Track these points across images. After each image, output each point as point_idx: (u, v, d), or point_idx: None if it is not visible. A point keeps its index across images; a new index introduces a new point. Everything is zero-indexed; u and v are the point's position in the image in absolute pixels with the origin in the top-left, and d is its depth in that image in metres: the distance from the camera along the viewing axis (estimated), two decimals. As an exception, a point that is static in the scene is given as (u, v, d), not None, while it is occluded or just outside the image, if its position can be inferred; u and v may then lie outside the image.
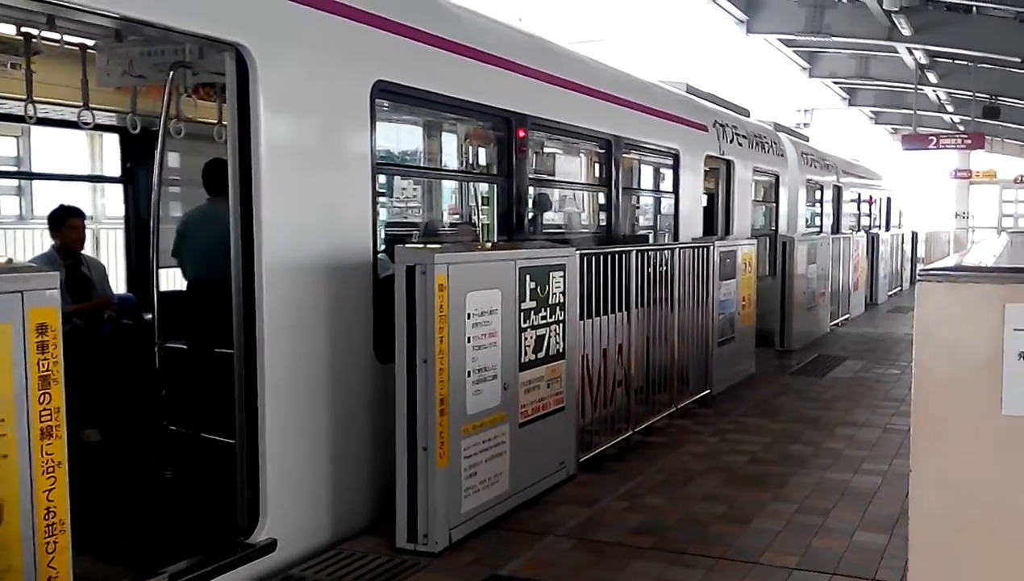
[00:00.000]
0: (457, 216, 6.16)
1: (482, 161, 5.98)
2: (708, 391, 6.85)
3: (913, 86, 18.19)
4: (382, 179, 4.31)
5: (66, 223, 4.80)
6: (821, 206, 14.22)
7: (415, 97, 4.53)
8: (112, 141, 6.19)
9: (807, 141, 14.39)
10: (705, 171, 8.62)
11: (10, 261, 2.82)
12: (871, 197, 18.87)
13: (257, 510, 3.50)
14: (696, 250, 6.62)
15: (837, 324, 11.54)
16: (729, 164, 9.40)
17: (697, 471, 4.91)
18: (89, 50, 4.33)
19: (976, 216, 30.47)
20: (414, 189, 5.43)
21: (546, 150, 6.48)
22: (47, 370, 2.16)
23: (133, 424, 4.36)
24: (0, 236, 7.86)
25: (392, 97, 4.32)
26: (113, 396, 4.16)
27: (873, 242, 14.44)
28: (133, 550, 3.58)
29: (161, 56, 4.06)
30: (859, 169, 17.81)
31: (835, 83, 21.75)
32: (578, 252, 4.84)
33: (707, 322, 6.82)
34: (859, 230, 16.23)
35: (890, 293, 15.76)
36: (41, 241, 5.58)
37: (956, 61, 16.73)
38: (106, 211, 7.92)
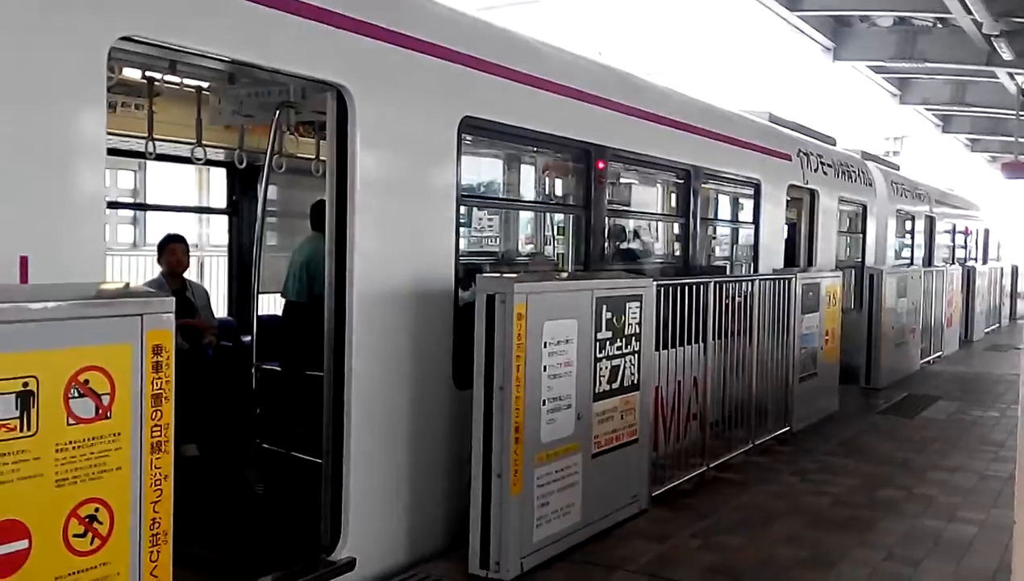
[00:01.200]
0: (532, 246, 6.25)
1: (561, 192, 6.07)
2: (788, 428, 6.65)
3: (1015, 113, 17.23)
4: (463, 210, 4.43)
5: (168, 248, 5.15)
6: (912, 237, 13.63)
7: (499, 131, 4.67)
8: (217, 175, 6.62)
9: (897, 170, 13.86)
10: (788, 201, 8.44)
11: (127, 285, 3.07)
12: (967, 228, 17.94)
13: (339, 528, 3.63)
14: (777, 282, 6.48)
15: (929, 362, 10.98)
16: (813, 193, 9.17)
17: (777, 511, 4.76)
18: (204, 92, 4.68)
19: (1086, 249, 28.36)
20: (490, 219, 5.54)
21: (624, 181, 6.50)
22: (160, 388, 2.34)
23: (229, 441, 4.60)
24: (116, 262, 8.44)
25: (477, 132, 4.46)
26: (211, 414, 4.41)
27: (969, 275, 13.71)
28: (223, 562, 3.77)
29: (268, 97, 4.35)
30: (954, 199, 16.99)
31: (928, 110, 20.87)
32: (655, 283, 4.83)
33: (788, 356, 6.64)
34: (953, 263, 15.46)
35: (987, 330, 14.89)
36: (152, 267, 6.00)
37: (1063, 86, 15.79)
38: (210, 240, 8.44)
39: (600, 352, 4.31)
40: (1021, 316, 18.83)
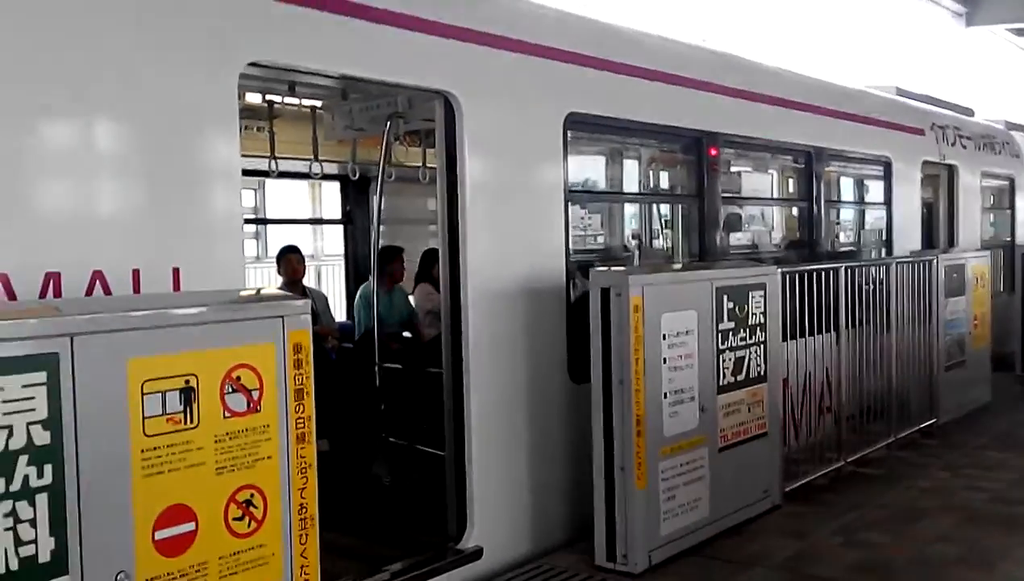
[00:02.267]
0: (643, 239, 6.18)
1: (673, 182, 5.97)
2: (934, 420, 6.18)
3: None
4: (572, 206, 4.45)
5: (285, 258, 5.54)
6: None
7: (604, 125, 4.67)
8: (328, 188, 7.03)
9: (1050, 137, 12.56)
10: (923, 178, 7.87)
11: (259, 290, 3.33)
12: None
13: (465, 518, 3.75)
14: (916, 265, 6.06)
15: (1096, 346, 9.84)
16: (952, 169, 8.50)
17: (926, 508, 4.45)
18: (318, 110, 4.99)
19: None
20: (591, 216, 5.52)
21: (740, 167, 6.31)
22: (301, 384, 2.52)
23: (357, 436, 4.86)
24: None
25: (583, 127, 4.49)
26: (339, 411, 4.68)
27: None
28: (358, 548, 3.98)
29: (377, 109, 4.57)
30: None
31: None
32: (780, 270, 4.65)
33: (931, 344, 6.18)
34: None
35: None
36: (273, 277, 6.45)
37: None
38: (324, 250, 8.98)
39: (723, 343, 4.20)
40: None
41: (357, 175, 5.29)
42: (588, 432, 3.83)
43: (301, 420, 2.52)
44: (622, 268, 4.07)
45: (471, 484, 3.74)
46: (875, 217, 7.60)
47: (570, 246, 4.34)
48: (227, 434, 2.37)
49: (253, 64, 3.03)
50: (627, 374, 3.72)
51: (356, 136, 5.04)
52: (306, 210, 7.89)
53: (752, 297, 4.40)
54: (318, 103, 4.99)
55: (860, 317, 5.37)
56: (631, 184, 5.82)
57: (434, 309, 5.21)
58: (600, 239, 5.66)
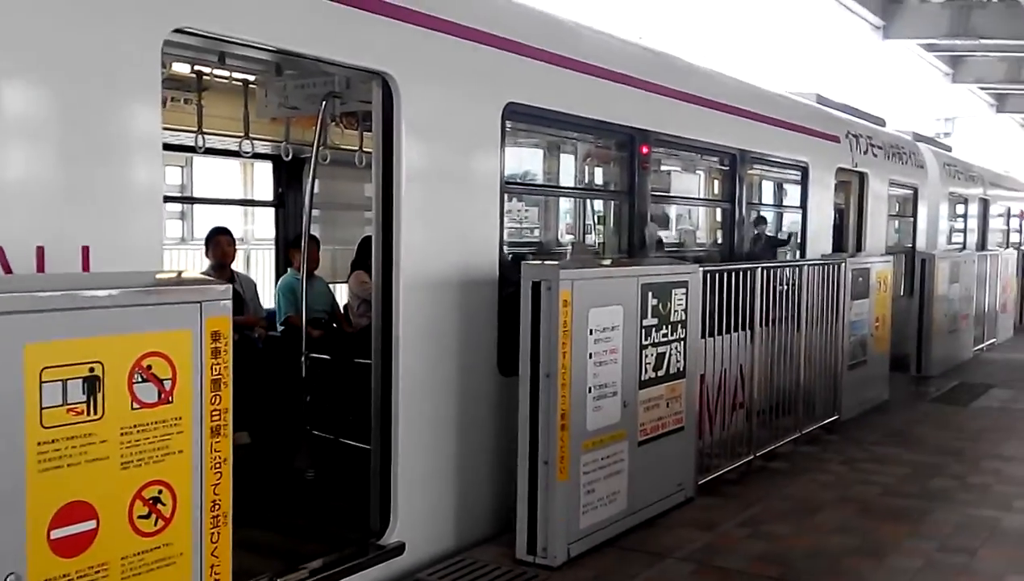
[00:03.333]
0: (574, 234, 6.23)
1: (604, 179, 6.01)
2: (836, 417, 6.52)
3: (1076, 89, 16.52)
4: (507, 198, 4.41)
5: (214, 241, 5.26)
6: (965, 221, 13.19)
7: (542, 117, 4.64)
8: (261, 169, 6.73)
9: (950, 151, 13.41)
10: (836, 184, 8.23)
11: (180, 274, 3.14)
12: (1022, 211, 17.29)
13: (388, 514, 3.68)
14: (826, 267, 6.34)
15: (982, 349, 10.66)
16: (862, 177, 8.93)
17: (826, 501, 4.69)
18: (250, 85, 4.74)
19: None
20: (527, 210, 5.54)
21: (668, 166, 6.42)
22: (219, 374, 2.39)
23: (280, 428, 4.69)
24: (166, 256, 8.69)
25: (521, 118, 4.44)
26: (262, 402, 4.50)
27: (1022, 259, 13.24)
28: (276, 544, 3.86)
29: (313, 88, 4.38)
30: (1008, 181, 16.38)
31: (982, 88, 20.13)
32: (701, 269, 4.76)
33: (836, 344, 6.50)
34: (1008, 247, 14.92)
35: (1044, 316, 14.36)
36: (200, 261, 6.15)
37: None
38: (255, 233, 8.61)
39: (646, 339, 4.27)
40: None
41: (290, 156, 5.08)
42: (515, 426, 3.83)
43: (217, 412, 2.39)
44: (553, 262, 4.05)
45: (396, 478, 3.67)
46: (794, 220, 7.90)
47: (504, 238, 4.31)
48: (135, 426, 2.22)
49: (179, 31, 2.83)
50: (554, 368, 3.73)
51: (290, 115, 4.83)
52: (238, 191, 7.52)
53: (675, 294, 4.49)
54: (251, 78, 4.74)
55: (773, 316, 5.57)
56: (566, 179, 5.83)
57: (367, 297, 5.09)
58: (533, 232, 5.65)
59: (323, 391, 4.58)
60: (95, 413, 2.13)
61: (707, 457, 4.98)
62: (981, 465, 5.40)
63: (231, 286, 2.49)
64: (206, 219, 6.93)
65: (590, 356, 3.90)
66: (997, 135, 25.83)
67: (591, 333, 3.90)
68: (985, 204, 13.98)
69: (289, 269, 5.79)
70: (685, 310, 4.56)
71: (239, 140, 4.96)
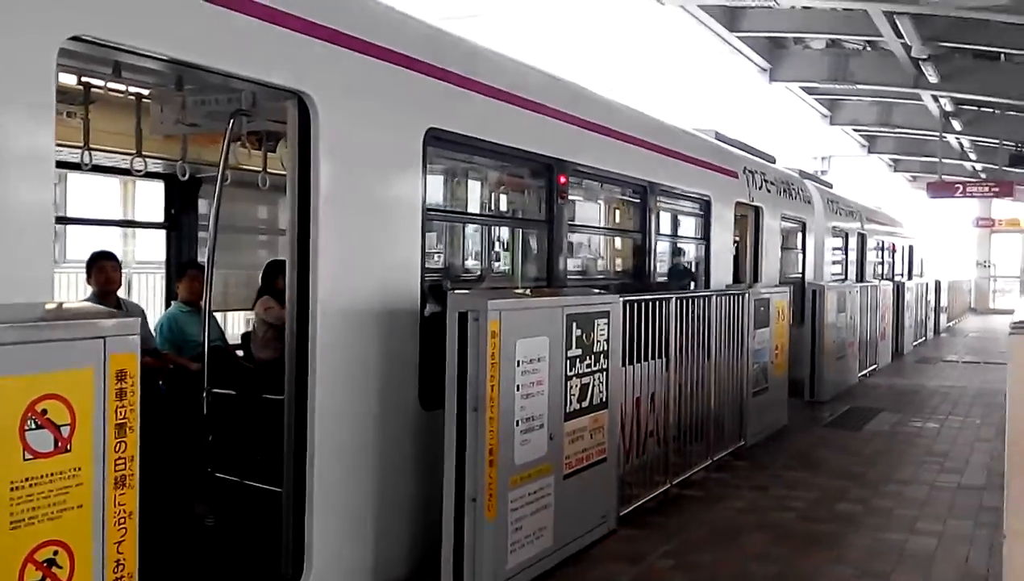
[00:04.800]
0: (494, 262, 6.21)
1: (522, 207, 6.05)
2: (742, 443, 6.77)
3: (937, 134, 18.32)
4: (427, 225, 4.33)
5: (97, 266, 4.87)
6: (846, 254, 14.24)
7: (463, 144, 4.61)
8: (144, 188, 6.32)
9: (831, 188, 14.47)
10: (735, 218, 8.66)
11: (60, 305, 2.85)
12: (893, 245, 18.89)
13: (302, 559, 3.46)
14: (731, 298, 6.62)
15: (865, 375, 11.43)
16: (758, 211, 9.45)
17: (744, 527, 4.82)
18: (144, 99, 4.45)
19: (998, 265, 30.38)
20: (450, 234, 5.49)
21: (583, 196, 6.55)
22: (124, 417, 2.16)
23: (179, 472, 4.33)
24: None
25: (442, 144, 4.39)
26: (159, 442, 4.14)
27: (899, 290, 14.40)
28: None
29: (216, 105, 4.17)
30: (881, 216, 17.87)
31: (855, 130, 21.95)
32: (621, 299, 4.84)
33: (742, 371, 6.78)
34: (882, 278, 16.20)
35: (915, 343, 15.65)
36: (77, 286, 5.66)
37: (982, 109, 16.88)
38: (136, 256, 8.04)
39: (571, 370, 4.28)
40: (945, 329, 19.93)
41: (187, 175, 4.79)
42: (436, 462, 3.70)
43: (122, 461, 2.16)
44: (480, 292, 4.00)
45: (310, 521, 3.45)
46: (698, 252, 8.23)
47: (425, 266, 4.21)
48: (27, 480, 1.97)
49: (75, 39, 2.60)
50: (482, 401, 3.65)
51: (188, 132, 4.57)
52: (116, 211, 7.02)
53: (598, 324, 4.54)
54: (144, 92, 4.45)
55: (684, 345, 5.75)
56: (487, 207, 5.81)
57: (275, 323, 4.85)
58: (451, 260, 5.59)
59: (227, 430, 4.28)
60: (-21, 467, 1.87)
61: (627, 487, 5.02)
62: (881, 488, 5.72)
63: (140, 318, 2.27)
64: (79, 241, 6.40)
65: (517, 388, 3.85)
66: (867, 174, 28.20)
67: (518, 364, 3.86)
68: (862, 238, 15.15)
69: (174, 302, 5.46)
70: (607, 340, 4.61)
71: (129, 157, 4.64)
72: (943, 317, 20.05)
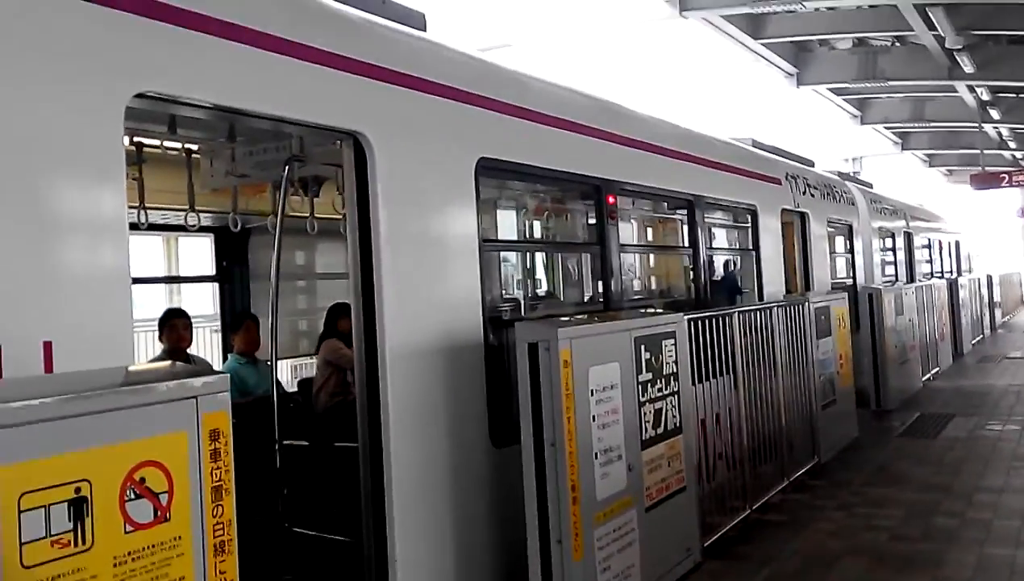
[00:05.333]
0: (549, 287, 6.14)
1: (575, 230, 5.98)
2: (816, 460, 6.54)
3: (975, 124, 17.97)
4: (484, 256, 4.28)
5: (169, 324, 4.90)
6: (894, 254, 13.92)
7: (513, 171, 4.57)
8: (187, 243, 6.39)
9: (871, 188, 14.22)
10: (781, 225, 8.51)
11: (147, 367, 2.83)
12: (940, 242, 18.47)
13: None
14: (790, 308, 6.45)
15: (929, 378, 11.07)
16: (804, 217, 9.27)
17: (836, 552, 4.60)
18: (194, 154, 4.50)
19: (1047, 254, 29.55)
20: (505, 263, 5.44)
21: (632, 214, 6.47)
22: (219, 480, 2.10)
23: (255, 526, 4.26)
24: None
25: (493, 173, 4.36)
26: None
27: (953, 288, 14.02)
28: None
29: (264, 154, 4.18)
30: (925, 213, 17.50)
31: (887, 128, 21.63)
32: (686, 317, 4.72)
33: (808, 384, 6.57)
34: (932, 276, 15.81)
35: (974, 341, 15.19)
36: (149, 345, 5.72)
37: (1020, 95, 16.54)
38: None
39: (643, 395, 4.16)
40: (1001, 325, 19.36)
41: (239, 226, 4.82)
42: (509, 501, 3.60)
43: (220, 526, 2.10)
44: (549, 320, 3.92)
45: (395, 573, 3.36)
46: (748, 262, 8.06)
47: (486, 298, 4.15)
48: (129, 554, 1.91)
49: (140, 96, 2.61)
50: (560, 435, 3.54)
51: (238, 183, 4.60)
52: (159, 267, 7.13)
53: (665, 346, 4.41)
54: (194, 147, 4.51)
55: (750, 360, 5.58)
56: (539, 232, 5.76)
57: (343, 364, 4.83)
58: (511, 290, 5.52)
59: (302, 482, 4.21)
60: (83, 543, 1.82)
61: (707, 515, 4.84)
62: (974, 499, 5.45)
63: (228, 375, 2.22)
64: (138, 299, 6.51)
65: (593, 418, 3.74)
66: (901, 171, 27.76)
67: (592, 394, 3.75)
68: (909, 237, 14.82)
69: (231, 354, 5.47)
70: (675, 361, 4.48)
71: (178, 212, 4.68)
72: (998, 312, 19.49)
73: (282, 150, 4.18)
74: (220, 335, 6.00)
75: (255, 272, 6.22)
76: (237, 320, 5.55)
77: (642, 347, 4.19)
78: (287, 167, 4.00)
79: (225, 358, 5.75)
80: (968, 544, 4.59)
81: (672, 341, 4.49)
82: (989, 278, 18.75)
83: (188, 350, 4.99)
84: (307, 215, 5.08)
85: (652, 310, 5.57)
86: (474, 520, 3.86)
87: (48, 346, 2.24)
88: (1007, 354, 13.94)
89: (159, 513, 1.97)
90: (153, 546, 1.95)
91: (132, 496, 1.92)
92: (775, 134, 9.11)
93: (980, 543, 4.60)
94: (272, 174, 4.38)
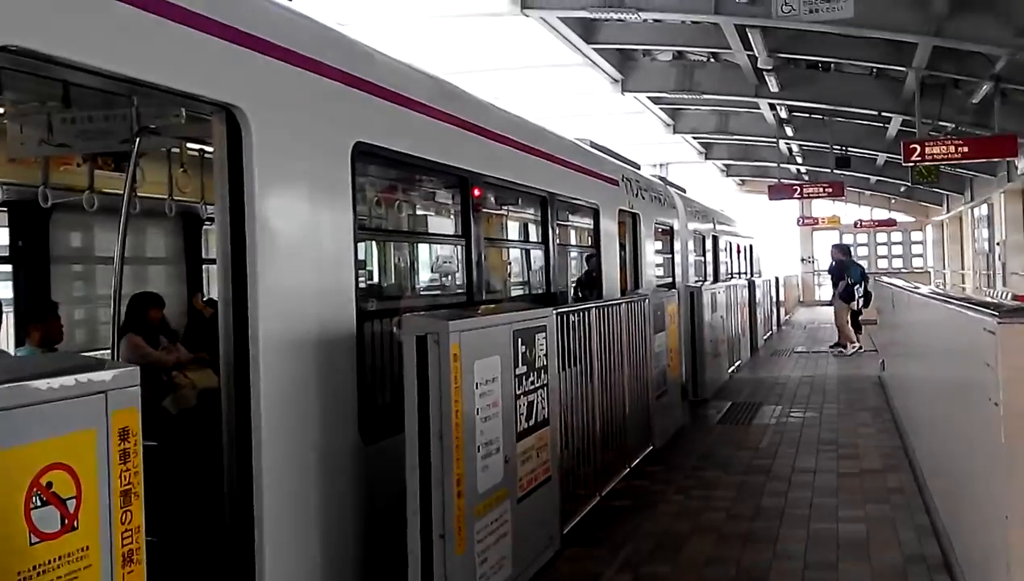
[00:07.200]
0: (420, 279, 6.13)
1: (443, 223, 6.02)
2: (652, 446, 7.14)
3: (773, 139, 20.32)
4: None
5: None
6: (703, 255, 15.40)
7: (388, 158, 4.53)
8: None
9: (685, 193, 15.63)
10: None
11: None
12: (738, 245, 20.69)
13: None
14: (635, 304, 6.98)
15: (733, 370, 12.41)
16: (635, 218, 10.01)
17: (683, 533, 5.08)
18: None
19: (819, 260, 34.20)
20: (375, 253, 5.36)
21: (493, 209, 6.64)
22: (129, 482, 1.95)
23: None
24: None
25: (369, 159, 4.30)
26: None
27: (751, 288, 15.80)
28: None
29: (104, 122, 3.81)
30: (727, 218, 19.53)
31: (695, 138, 23.81)
32: (555, 311, 4.97)
33: (647, 375, 7.15)
34: (730, 277, 17.71)
35: (765, 337, 17.21)
36: None
37: (812, 116, 19.00)
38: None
39: (519, 388, 4.33)
40: (784, 322, 22.08)
41: (50, 202, 4.33)
42: (375, 500, 3.59)
43: (128, 534, 1.95)
44: (439, 313, 3.95)
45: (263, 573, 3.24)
46: (591, 260, 8.57)
47: (359, 289, 4.09)
48: (34, 568, 1.72)
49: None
50: (447, 428, 3.61)
51: (53, 153, 4.13)
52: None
53: (538, 339, 4.63)
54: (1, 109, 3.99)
55: (603, 353, 5.98)
56: (408, 223, 5.73)
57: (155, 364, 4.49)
58: (381, 281, 5.45)
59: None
60: (-14, 560, 1.62)
61: (563, 502, 5.12)
62: (793, 479, 6.24)
63: (137, 368, 2.06)
64: None
65: (477, 412, 3.85)
66: (701, 179, 30.71)
67: (476, 387, 3.86)
68: (715, 240, 16.47)
69: (27, 346, 4.91)
70: (546, 354, 4.71)
71: None
72: (782, 310, 22.19)
73: (125, 119, 3.83)
74: (12, 322, 5.32)
75: (56, 254, 5.62)
76: (40, 309, 4.99)
77: (519, 340, 4.36)
78: (139, 139, 3.67)
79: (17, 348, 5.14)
80: (796, 520, 5.26)
81: (544, 335, 4.71)
82: (777, 279, 21.33)
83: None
84: (120, 192, 4.69)
85: (523, 304, 5.76)
86: (340, 518, 3.80)
87: None
88: (794, 348, 15.96)
89: (66, 521, 1.80)
90: (60, 558, 1.78)
91: (38, 503, 1.73)
92: (600, 138, 9.74)
93: (806, 519, 5.28)
94: (99, 145, 4.01)
